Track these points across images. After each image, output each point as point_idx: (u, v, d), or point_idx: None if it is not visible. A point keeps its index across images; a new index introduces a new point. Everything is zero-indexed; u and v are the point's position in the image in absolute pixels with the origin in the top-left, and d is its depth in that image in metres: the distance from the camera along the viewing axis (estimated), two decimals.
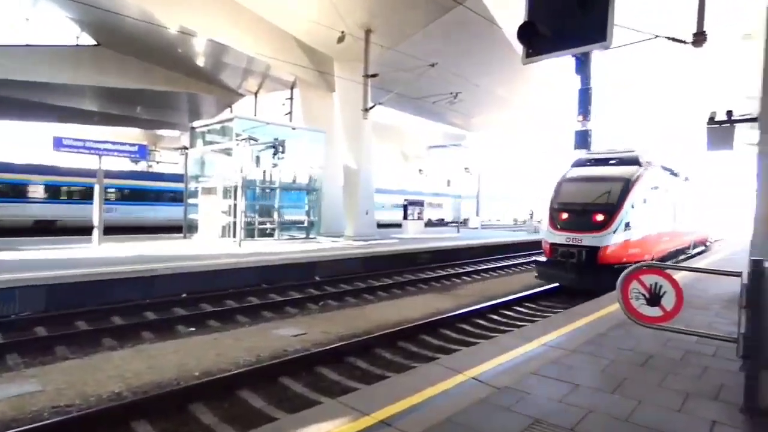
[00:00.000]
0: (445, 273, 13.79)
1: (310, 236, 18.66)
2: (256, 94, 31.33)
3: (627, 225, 10.14)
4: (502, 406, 3.34)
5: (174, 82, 28.51)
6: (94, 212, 13.28)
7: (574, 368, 4.17)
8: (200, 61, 26.24)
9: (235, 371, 5.37)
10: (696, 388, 3.72)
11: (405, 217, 23.32)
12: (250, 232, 16.78)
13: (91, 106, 31.17)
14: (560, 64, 12.64)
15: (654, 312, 3.72)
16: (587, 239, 10.11)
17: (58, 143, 12.63)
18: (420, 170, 43.70)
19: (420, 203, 24.78)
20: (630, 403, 3.41)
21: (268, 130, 17.02)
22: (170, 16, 18.12)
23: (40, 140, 36.48)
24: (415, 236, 21.17)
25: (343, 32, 15.87)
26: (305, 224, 19.06)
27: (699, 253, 16.70)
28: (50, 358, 6.05)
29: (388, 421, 3.07)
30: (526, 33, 4.72)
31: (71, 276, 8.51)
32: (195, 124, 19.10)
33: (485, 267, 15.26)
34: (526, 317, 8.90)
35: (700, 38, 8.92)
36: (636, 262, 10.17)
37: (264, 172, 18.23)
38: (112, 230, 18.17)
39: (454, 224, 37.31)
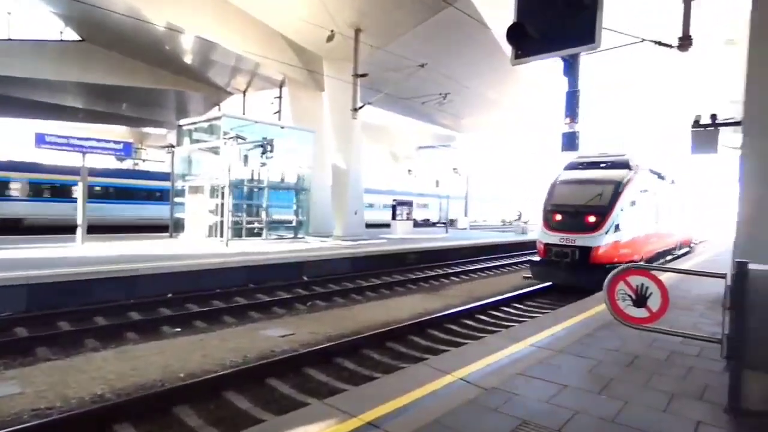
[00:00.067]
0: (433, 273, 13.80)
1: (299, 236, 18.56)
2: (244, 92, 31.06)
3: (618, 226, 10.49)
4: (490, 407, 3.33)
5: (161, 80, 28.14)
6: (78, 211, 13.05)
7: (561, 369, 4.19)
8: (188, 59, 25.93)
9: (221, 372, 5.31)
10: (681, 389, 3.76)
11: (393, 218, 23.32)
12: (237, 232, 16.64)
13: (75, 102, 30.60)
14: (549, 66, 12.72)
15: (640, 313, 3.76)
16: (580, 240, 10.45)
17: (41, 140, 12.39)
18: (409, 171, 43.72)
19: (409, 203, 24.79)
20: (617, 403, 3.43)
21: (257, 129, 16.89)
22: (157, 12, 17.87)
23: (23, 137, 35.83)
24: (403, 236, 21.17)
25: (332, 31, 15.81)
26: (293, 224, 18.96)
27: (684, 254, 17.03)
28: (31, 359, 5.92)
29: (375, 422, 3.04)
30: (515, 34, 4.74)
31: (53, 275, 8.35)
32: (182, 122, 18.88)
33: (473, 267, 15.31)
34: (514, 317, 8.94)
35: (685, 42, 9.05)
36: (627, 262, 10.36)
37: (252, 171, 18.08)
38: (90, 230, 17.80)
39: (441, 224, 37.46)
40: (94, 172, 22.23)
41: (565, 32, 4.52)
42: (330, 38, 15.93)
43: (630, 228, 10.90)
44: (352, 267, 13.47)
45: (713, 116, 8.98)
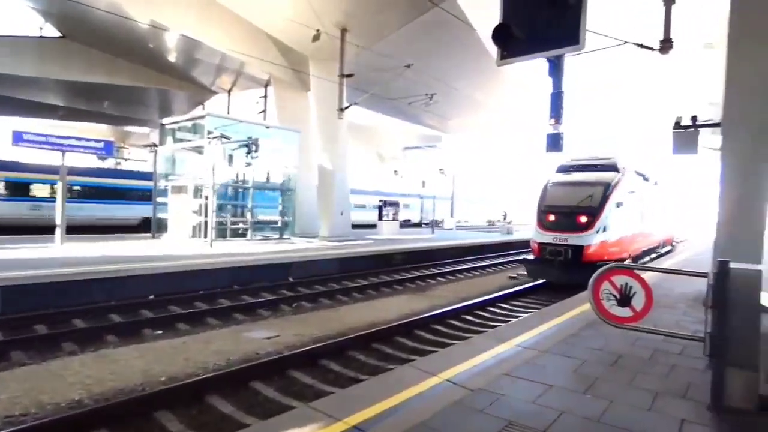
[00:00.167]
0: (419, 274, 13.79)
1: (284, 237, 18.42)
2: (229, 91, 30.72)
3: (608, 226, 11.05)
4: (476, 408, 3.31)
5: (143, 78, 27.67)
6: (57, 211, 12.75)
7: (546, 369, 4.19)
8: (171, 57, 25.53)
9: (204, 376, 5.20)
10: (665, 387, 3.78)
11: (380, 218, 23.28)
12: (222, 232, 16.44)
13: (55, 100, 29.93)
14: (535, 67, 12.86)
15: (624, 312, 3.78)
16: (573, 239, 10.96)
17: (18, 138, 12.08)
18: (395, 171, 43.69)
19: (395, 204, 24.78)
20: (602, 403, 3.44)
21: (242, 129, 16.72)
22: (140, 9, 17.58)
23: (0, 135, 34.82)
24: (390, 237, 21.15)
25: (318, 31, 15.72)
26: (279, 224, 18.81)
27: (666, 253, 17.45)
28: (5, 364, 5.74)
29: (361, 426, 3.00)
30: (500, 35, 4.75)
31: (30, 277, 8.13)
32: (165, 120, 18.59)
33: (460, 268, 15.35)
34: (500, 317, 8.97)
35: (666, 45, 9.18)
36: (616, 260, 10.78)
37: (237, 171, 17.90)
38: (43, 230, 17.37)
39: (425, 224, 37.52)
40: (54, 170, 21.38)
41: (550, 34, 4.54)
42: (316, 38, 15.83)
43: (619, 228, 11.40)
44: (338, 268, 13.40)
45: (693, 118, 9.11)
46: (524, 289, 11.37)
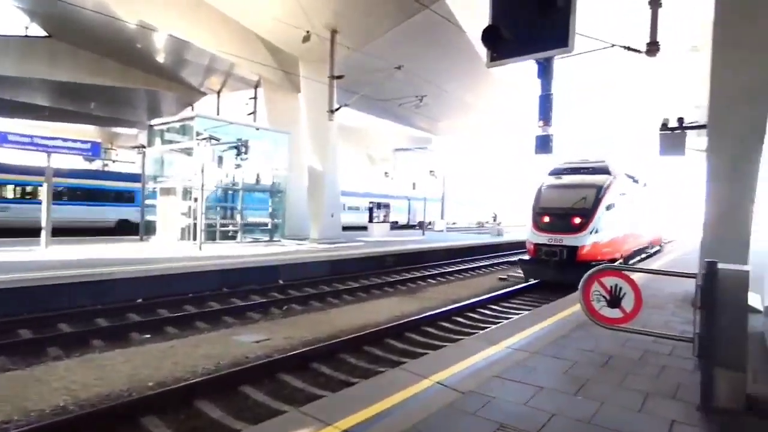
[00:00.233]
0: (410, 276, 13.78)
1: (274, 239, 18.31)
2: (218, 93, 30.51)
3: (601, 227, 11.42)
4: (468, 411, 3.30)
5: (132, 78, 27.37)
6: (42, 213, 12.55)
7: (537, 370, 4.20)
8: (160, 58, 25.29)
9: (193, 380, 5.13)
10: (655, 388, 3.80)
11: (370, 220, 23.26)
12: (211, 235, 16.30)
13: (41, 100, 29.49)
14: (525, 69, 12.98)
15: (614, 314, 3.80)
16: (567, 240, 11.35)
17: (2, 139, 11.87)
18: (386, 173, 43.70)
19: (386, 206, 24.77)
20: (593, 404, 3.45)
21: (231, 130, 16.60)
22: (128, 9, 17.39)
23: None
24: (380, 239, 21.13)
25: (308, 32, 15.67)
26: (269, 227, 18.69)
27: (655, 253, 17.73)
28: None
29: (352, 430, 2.97)
30: (490, 37, 4.76)
31: (14, 280, 7.97)
32: (153, 122, 18.39)
33: (450, 270, 15.37)
34: (491, 319, 8.98)
35: (653, 48, 9.30)
36: (609, 260, 11.10)
37: (226, 173, 17.75)
38: (9, 233, 17.00)
39: (416, 226, 37.54)
40: (29, 170, 20.38)
41: (539, 36, 4.56)
42: (306, 39, 15.78)
43: (611, 229, 11.80)
44: (328, 270, 13.34)
45: (680, 119, 9.23)
46: (514, 290, 11.42)
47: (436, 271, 14.89)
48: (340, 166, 20.49)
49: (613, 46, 9.95)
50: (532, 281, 12.45)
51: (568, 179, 12.80)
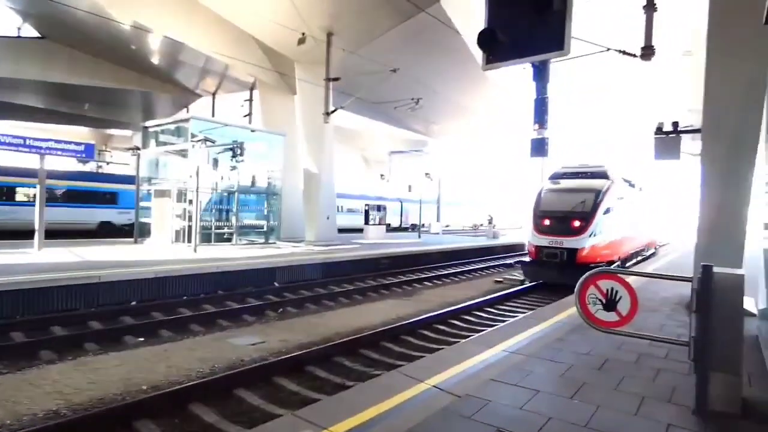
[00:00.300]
0: (406, 278, 13.77)
1: (270, 241, 18.25)
2: (214, 94, 30.41)
3: (600, 230, 11.78)
4: (464, 415, 3.29)
5: (126, 80, 27.22)
6: (35, 215, 12.44)
7: (534, 374, 4.19)
8: (155, 59, 25.19)
9: (187, 384, 5.09)
10: (650, 391, 3.81)
11: (366, 222, 23.22)
12: (206, 237, 16.22)
13: (34, 102, 29.27)
14: (521, 72, 13.10)
15: (610, 317, 3.80)
16: (567, 242, 11.68)
17: None
18: (381, 175, 43.68)
19: (383, 208, 24.74)
20: (589, 408, 3.45)
21: (227, 132, 16.53)
22: (123, 10, 17.30)
23: None
24: (376, 241, 21.10)
25: (304, 34, 15.66)
26: (264, 229, 18.63)
27: (651, 255, 17.94)
28: None
29: None
30: (485, 40, 4.75)
31: (6, 283, 7.88)
32: (148, 123, 18.30)
33: (446, 272, 15.36)
34: (487, 322, 8.98)
35: (647, 52, 9.38)
36: (607, 262, 11.44)
37: (222, 175, 17.67)
38: None
39: (411, 228, 37.47)
40: (7, 171, 20.07)
41: (535, 39, 4.56)
42: (301, 41, 15.77)
43: (609, 232, 12.20)
44: (324, 272, 13.31)
45: (675, 124, 9.30)
46: (510, 293, 11.45)
47: (432, 274, 14.88)
48: (336, 168, 20.46)
49: (608, 50, 10.01)
50: (528, 284, 12.60)
51: (567, 183, 13.14)
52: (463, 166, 50.27)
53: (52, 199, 20.59)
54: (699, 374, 3.33)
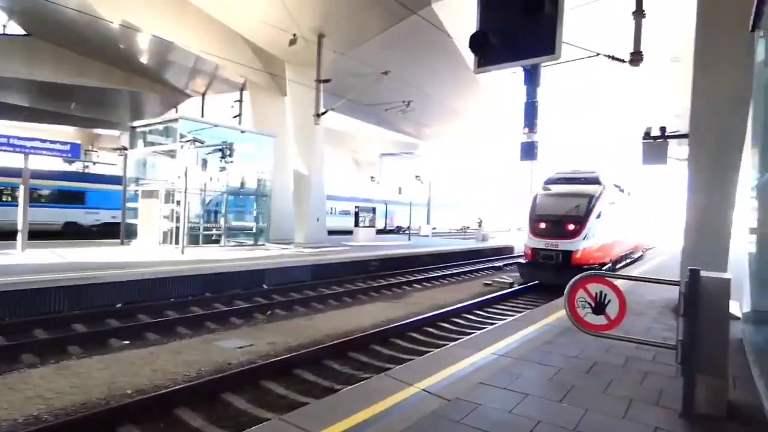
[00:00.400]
0: (396, 281, 13.75)
1: (259, 243, 18.11)
2: (203, 95, 30.17)
3: (593, 233, 12.27)
4: (453, 419, 3.27)
5: (114, 79, 26.88)
6: (19, 215, 12.21)
7: (523, 377, 4.19)
8: (144, 58, 24.90)
9: (173, 388, 5.01)
10: (638, 394, 3.83)
11: (356, 224, 23.16)
12: (194, 239, 16.04)
13: (20, 101, 28.80)
14: (512, 76, 13.20)
15: (599, 320, 3.80)
16: (562, 245, 12.17)
17: None
18: (372, 177, 43.65)
19: (372, 210, 24.68)
20: (577, 411, 3.45)
21: (216, 133, 16.39)
22: (111, 9, 17.09)
23: None
24: (366, 243, 21.06)
25: (295, 35, 15.60)
26: (253, 230, 18.49)
27: (638, 259, 18.27)
28: None
29: None
30: (477, 43, 4.76)
31: None
32: (135, 123, 18.08)
33: (436, 275, 15.36)
34: (476, 324, 8.98)
35: (636, 57, 9.46)
36: (600, 263, 11.86)
37: (211, 176, 17.51)
38: None
39: (396, 231, 37.43)
40: None
41: (526, 43, 4.58)
42: (292, 42, 15.71)
43: (602, 235, 12.68)
44: (313, 275, 13.23)
45: (662, 129, 9.40)
46: (499, 295, 11.49)
47: (422, 276, 14.88)
48: (326, 170, 20.39)
49: (597, 55, 10.10)
50: (517, 286, 12.74)
51: (562, 188, 13.66)
52: (454, 168, 50.45)
53: (13, 198, 19.76)
54: (686, 377, 3.35)
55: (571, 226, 12.22)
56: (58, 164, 23.56)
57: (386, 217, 39.66)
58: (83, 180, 23.53)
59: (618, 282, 3.82)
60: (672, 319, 6.64)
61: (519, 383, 4.02)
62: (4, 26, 23.59)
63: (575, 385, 4.01)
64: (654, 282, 3.97)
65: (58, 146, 12.98)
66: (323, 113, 17.42)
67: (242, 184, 18.64)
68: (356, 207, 24.18)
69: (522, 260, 13.30)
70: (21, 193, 12.27)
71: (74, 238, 18.88)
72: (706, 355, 3.27)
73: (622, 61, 9.63)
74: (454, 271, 16.48)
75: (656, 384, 4.09)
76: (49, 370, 5.67)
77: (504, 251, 24.66)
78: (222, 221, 17.41)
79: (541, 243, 12.53)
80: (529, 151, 7.93)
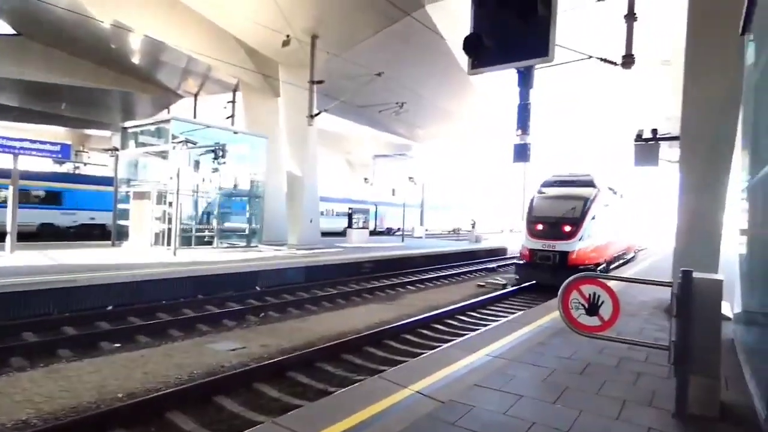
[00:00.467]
0: (389, 283, 13.73)
1: (252, 244, 18.02)
2: (196, 95, 30.01)
3: (588, 235, 12.57)
4: (448, 421, 3.26)
5: (105, 79, 26.63)
6: (8, 216, 12.06)
7: (517, 378, 4.19)
8: (135, 58, 24.72)
9: (164, 391, 4.96)
10: (631, 395, 3.84)
11: (350, 226, 23.12)
12: (186, 240, 15.92)
13: (9, 101, 28.48)
14: (505, 78, 13.26)
15: (593, 321, 3.81)
16: (559, 245, 12.44)
17: None
18: (365, 179, 43.63)
19: (365, 211, 24.66)
20: (571, 413, 3.45)
21: (209, 134, 16.30)
22: (102, 8, 16.96)
23: None
24: (359, 245, 21.02)
25: (288, 36, 15.56)
26: (246, 232, 18.40)
27: (630, 260, 18.48)
28: None
29: None
30: (471, 45, 4.77)
31: None
32: (127, 124, 17.93)
33: (429, 276, 15.36)
34: (470, 326, 8.99)
35: (628, 60, 9.54)
36: (595, 264, 12.11)
37: (203, 177, 17.41)
38: None
39: (383, 232, 37.40)
40: None
41: (520, 45, 4.60)
42: (286, 43, 15.66)
43: (597, 236, 13.02)
44: (306, 276, 13.18)
45: (654, 131, 9.49)
46: (493, 297, 11.53)
47: (416, 278, 14.88)
48: (320, 172, 20.34)
49: (590, 57, 10.16)
50: (510, 288, 12.83)
51: (558, 191, 13.97)
52: (446, 170, 50.54)
53: None
54: (679, 378, 3.37)
55: (568, 228, 12.48)
56: (35, 164, 23.08)
57: (376, 219, 39.51)
58: (60, 180, 22.75)
59: (611, 283, 3.84)
60: (664, 319, 6.68)
61: (513, 385, 4.02)
62: None
63: (569, 386, 4.02)
64: (647, 283, 3.99)
65: (48, 147, 12.84)
66: (316, 114, 17.39)
67: (235, 185, 18.56)
68: (350, 209, 24.15)
69: (520, 261, 13.53)
70: (9, 194, 12.13)
71: (50, 240, 18.42)
72: (698, 355, 3.29)
73: (615, 63, 9.69)
74: (448, 273, 16.50)
75: (649, 385, 4.11)
76: (39, 374, 5.59)
77: (497, 253, 24.74)
78: (214, 223, 17.31)
79: (538, 244, 12.80)
80: (522, 152, 7.95)
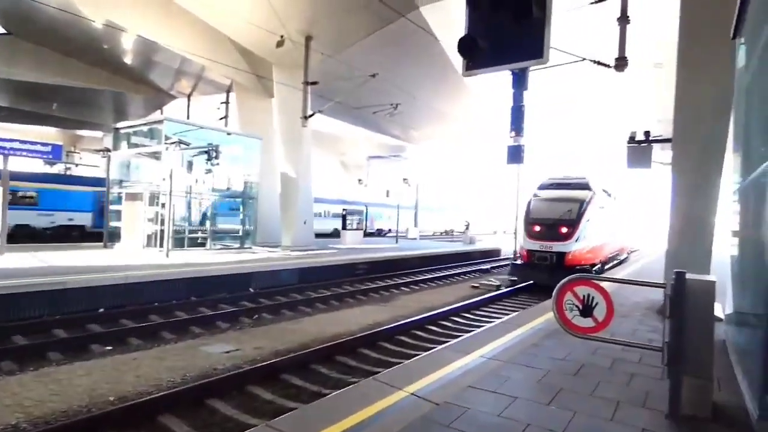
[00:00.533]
0: (383, 284, 13.71)
1: (245, 246, 17.94)
2: (189, 96, 29.84)
3: (584, 236, 12.93)
4: (443, 423, 3.25)
5: (97, 79, 26.41)
6: None
7: (511, 380, 4.20)
8: (128, 59, 24.56)
9: (157, 394, 4.91)
10: (625, 396, 3.85)
11: (344, 227, 23.08)
12: (179, 242, 15.82)
13: None
14: (500, 80, 13.32)
15: (587, 323, 3.83)
16: (556, 246, 12.78)
17: None
18: (359, 180, 43.58)
19: (359, 212, 24.62)
20: (566, 414, 3.46)
21: (202, 135, 16.22)
22: (95, 8, 16.84)
23: None
24: (353, 246, 20.99)
25: (282, 37, 15.53)
26: (240, 233, 18.32)
27: (623, 261, 18.68)
28: None
29: None
30: (466, 47, 4.79)
31: None
32: (119, 124, 17.80)
33: (424, 277, 15.36)
34: (464, 327, 8.99)
35: (621, 63, 9.60)
36: (591, 265, 12.42)
37: (196, 178, 17.31)
38: None
39: (374, 233, 37.37)
40: None
41: (514, 47, 4.61)
42: (280, 44, 15.62)
43: (592, 238, 13.38)
44: (300, 278, 13.14)
45: (647, 133, 9.56)
46: (487, 298, 11.56)
47: (410, 279, 14.88)
48: (314, 173, 20.29)
49: (583, 59, 10.22)
50: (504, 289, 12.94)
51: (554, 194, 14.29)
52: (441, 172, 50.60)
53: None
54: (672, 379, 3.38)
55: (564, 229, 12.80)
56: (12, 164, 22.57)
57: (366, 220, 39.33)
58: (36, 180, 22.16)
59: (604, 284, 3.85)
60: (656, 320, 6.71)
61: (507, 386, 4.02)
62: None
63: (563, 387, 4.03)
64: (640, 284, 4.02)
65: (39, 147, 12.72)
66: (311, 115, 17.36)
67: (228, 186, 18.47)
68: (344, 210, 24.09)
69: (516, 261, 13.87)
70: (0, 196, 11.98)
71: (26, 242, 18.06)
72: (691, 356, 3.31)
73: (608, 66, 9.75)
74: (442, 274, 16.51)
75: (643, 386, 4.12)
76: (29, 377, 5.53)
77: (491, 254, 24.81)
78: (208, 224, 17.21)
79: (536, 245, 13.13)
80: (515, 154, 7.98)
